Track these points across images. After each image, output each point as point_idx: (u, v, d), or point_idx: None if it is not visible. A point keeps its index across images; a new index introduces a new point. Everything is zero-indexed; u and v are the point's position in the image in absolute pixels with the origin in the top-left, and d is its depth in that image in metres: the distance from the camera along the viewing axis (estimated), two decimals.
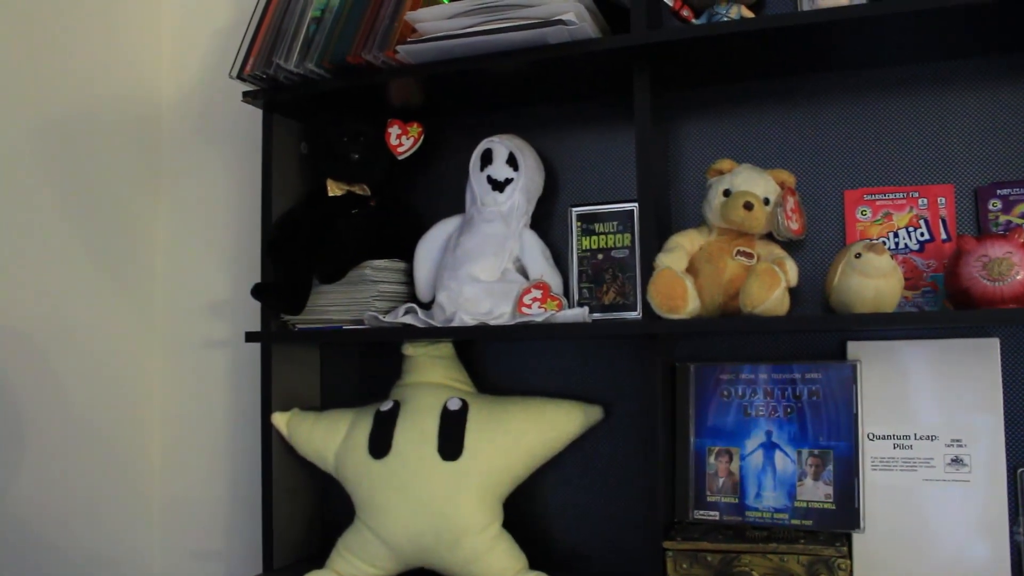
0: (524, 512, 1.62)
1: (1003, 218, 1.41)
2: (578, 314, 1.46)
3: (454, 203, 1.67)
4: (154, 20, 1.98)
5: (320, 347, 1.78)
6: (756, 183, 1.42)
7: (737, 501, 1.44)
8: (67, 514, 1.73)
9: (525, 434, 1.51)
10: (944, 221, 1.44)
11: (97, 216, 1.81)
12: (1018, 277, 1.24)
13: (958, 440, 1.37)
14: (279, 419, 1.63)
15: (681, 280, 1.34)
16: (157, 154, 1.97)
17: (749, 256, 1.42)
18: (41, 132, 1.70)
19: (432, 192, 1.74)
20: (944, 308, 1.41)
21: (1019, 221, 1.40)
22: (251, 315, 1.87)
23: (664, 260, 1.39)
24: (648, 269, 1.39)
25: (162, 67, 1.99)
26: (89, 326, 1.79)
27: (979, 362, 1.38)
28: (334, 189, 1.64)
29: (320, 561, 1.59)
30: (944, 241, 1.43)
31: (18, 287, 1.65)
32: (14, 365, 1.64)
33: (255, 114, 1.86)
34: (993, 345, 1.38)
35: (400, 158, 1.63)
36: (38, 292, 1.69)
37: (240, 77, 1.56)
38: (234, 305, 1.90)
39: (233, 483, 1.89)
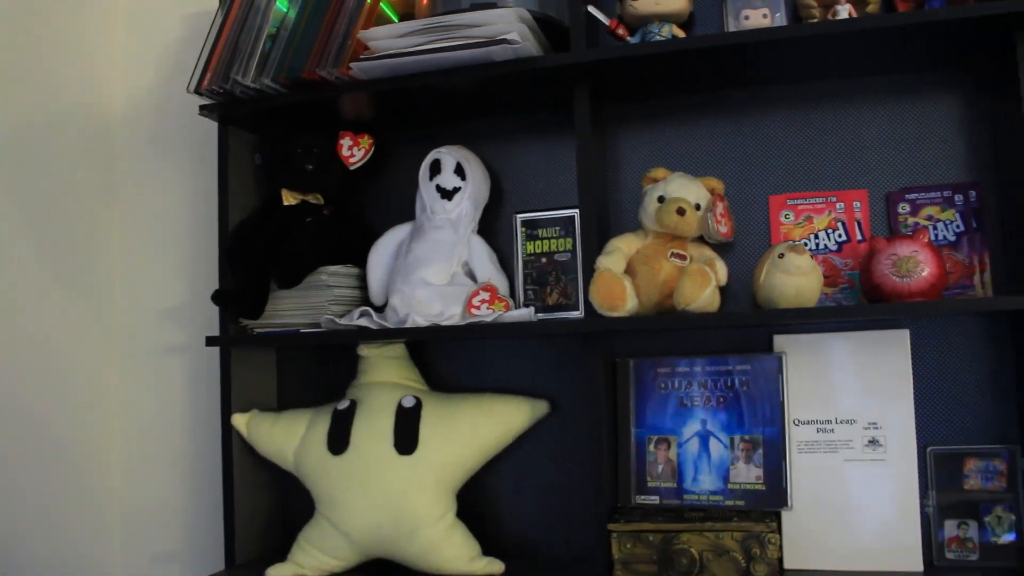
0: (476, 502, 1.70)
1: (911, 220, 1.54)
2: (525, 314, 1.56)
3: (404, 211, 1.75)
4: (106, 35, 2.02)
5: (276, 350, 1.84)
6: (688, 190, 1.53)
7: (675, 486, 1.54)
8: (26, 519, 1.76)
9: (476, 428, 1.60)
10: (859, 223, 1.57)
11: (53, 226, 1.85)
12: (923, 274, 1.37)
13: (874, 423, 1.50)
14: (239, 420, 1.69)
15: (620, 280, 1.45)
16: (111, 164, 2.01)
17: (682, 258, 1.53)
18: None
19: (382, 201, 1.82)
20: (860, 303, 1.54)
21: (925, 223, 1.53)
22: (207, 320, 1.93)
23: (604, 262, 1.50)
24: (589, 271, 1.49)
25: (114, 81, 2.03)
26: (47, 333, 1.82)
27: (891, 352, 1.50)
28: (289, 198, 1.70)
29: (279, 558, 1.64)
30: (860, 242, 1.56)
31: None
32: None
33: (206, 125, 1.91)
34: (903, 336, 1.51)
35: (352, 168, 1.71)
36: None
37: (197, 91, 1.62)
38: (190, 311, 1.95)
39: (191, 486, 1.94)
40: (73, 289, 1.90)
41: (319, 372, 1.84)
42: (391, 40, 1.50)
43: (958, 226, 1.53)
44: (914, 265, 1.37)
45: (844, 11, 1.47)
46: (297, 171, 1.68)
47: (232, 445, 1.70)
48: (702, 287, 1.40)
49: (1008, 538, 1.46)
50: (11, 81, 1.77)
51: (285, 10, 1.59)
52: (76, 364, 1.90)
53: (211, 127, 1.91)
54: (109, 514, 1.96)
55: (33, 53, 1.82)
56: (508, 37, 1.44)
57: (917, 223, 1.54)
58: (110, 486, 1.97)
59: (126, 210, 2.02)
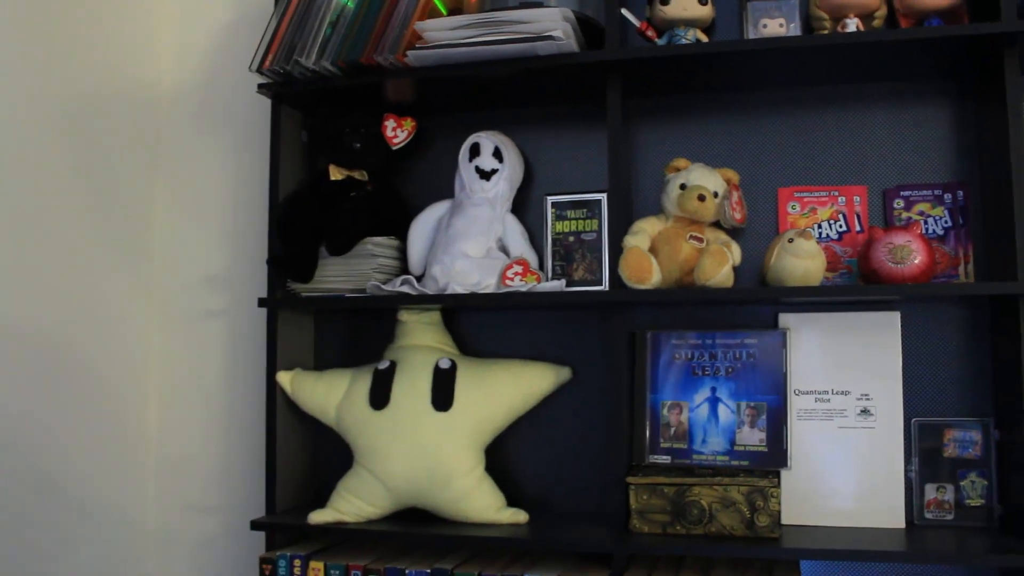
0: (502, 460, 1.85)
1: (905, 214, 1.72)
2: (556, 285, 1.72)
3: (440, 189, 1.90)
4: (159, 16, 2.15)
5: (314, 315, 1.98)
6: (707, 179, 1.69)
7: (686, 446, 1.70)
8: (68, 471, 1.87)
9: (505, 390, 1.75)
10: (859, 216, 1.74)
11: (103, 195, 1.97)
12: (915, 261, 1.54)
13: (866, 395, 1.67)
14: (283, 377, 1.82)
15: (647, 256, 1.61)
16: (158, 138, 2.14)
17: (700, 240, 1.69)
18: (48, 118, 1.83)
19: (421, 179, 1.96)
20: (858, 285, 1.71)
21: (917, 217, 1.71)
22: (247, 286, 2.06)
23: (631, 241, 1.65)
24: (617, 249, 1.65)
25: (162, 58, 2.16)
26: (94, 295, 1.94)
27: (884, 331, 1.67)
28: (336, 174, 1.84)
29: (314, 508, 1.77)
30: (858, 232, 1.73)
31: (29, 263, 1.79)
32: (23, 330, 1.77)
33: (251, 102, 2.06)
34: (895, 318, 1.68)
35: (395, 148, 1.84)
36: (46, 266, 1.83)
37: (259, 71, 1.75)
38: (230, 277, 2.09)
39: (227, 441, 2.07)
40: (119, 254, 2.02)
41: (353, 336, 1.98)
42: (445, 32, 1.65)
43: (946, 221, 1.70)
44: (907, 253, 1.54)
45: (852, 24, 1.64)
46: (345, 149, 1.81)
47: (276, 401, 1.83)
48: (721, 265, 1.57)
49: (980, 501, 1.64)
50: (67, 57, 1.88)
51: (345, 0, 1.73)
52: (120, 325, 2.02)
53: (256, 104, 2.06)
54: (145, 467, 2.09)
55: (88, 31, 1.94)
56: (553, 34, 1.59)
57: (910, 217, 1.71)
58: (148, 442, 2.09)
59: (171, 182, 2.14)
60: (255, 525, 1.76)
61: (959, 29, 1.52)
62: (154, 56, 2.14)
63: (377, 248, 1.80)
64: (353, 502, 1.73)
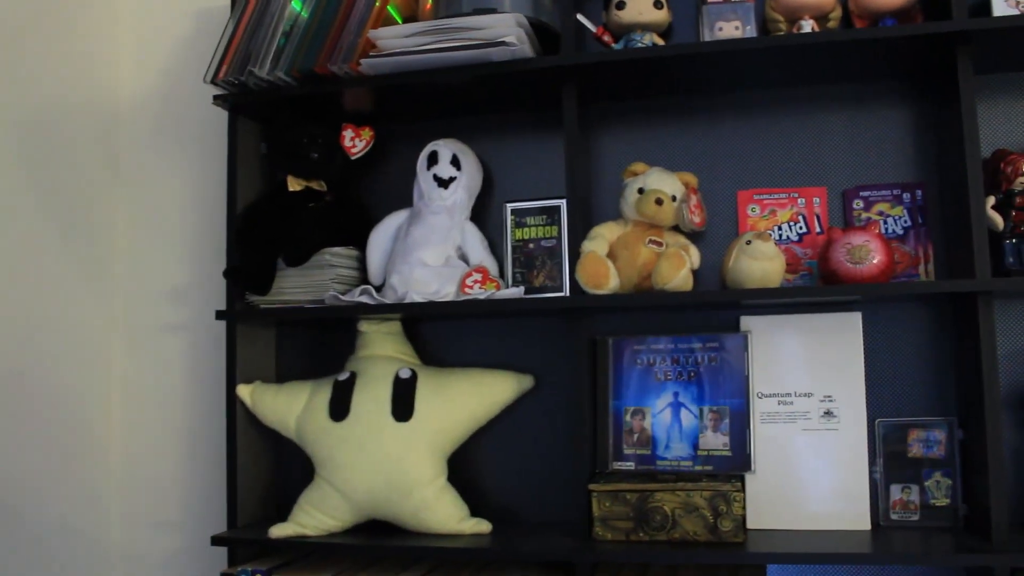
0: (465, 471, 1.83)
1: (864, 215, 1.71)
2: (515, 292, 1.70)
3: (400, 198, 1.88)
4: (116, 29, 2.13)
5: (275, 328, 1.96)
6: (665, 183, 1.69)
7: (649, 452, 1.69)
8: (27, 488, 1.84)
9: (467, 399, 1.73)
10: (818, 217, 1.74)
11: (62, 209, 1.95)
12: (874, 261, 1.53)
13: (829, 396, 1.66)
14: (243, 390, 1.80)
15: (604, 261, 1.60)
16: (117, 151, 2.12)
17: (659, 244, 1.68)
18: (5, 129, 1.81)
19: (380, 188, 1.94)
20: (817, 286, 1.70)
21: (876, 217, 1.70)
22: (207, 300, 2.04)
23: (588, 246, 1.64)
24: (576, 255, 1.64)
25: (122, 72, 2.14)
26: (53, 309, 1.92)
27: (845, 332, 1.67)
28: (294, 185, 1.82)
29: (276, 522, 1.73)
30: (818, 234, 1.73)
31: None
32: None
33: (209, 114, 2.05)
34: (856, 318, 1.67)
35: (353, 158, 1.83)
36: (3, 281, 1.80)
37: (213, 82, 1.74)
38: (191, 291, 2.06)
39: (189, 457, 2.04)
40: (79, 268, 2.00)
41: (315, 348, 1.95)
42: (398, 39, 1.64)
43: (906, 221, 1.70)
44: (866, 253, 1.54)
45: (807, 26, 1.64)
46: (303, 159, 1.79)
47: (236, 414, 1.80)
48: (678, 268, 1.56)
49: (946, 501, 1.63)
50: (25, 68, 1.86)
51: (299, 10, 1.72)
52: (80, 340, 1.99)
53: (213, 117, 2.04)
54: (106, 484, 2.06)
55: (46, 42, 1.92)
56: (507, 40, 1.59)
57: (870, 217, 1.71)
58: (108, 457, 2.06)
59: (131, 195, 2.12)
60: (216, 540, 1.73)
61: (912, 28, 1.52)
62: (113, 68, 2.12)
63: (335, 258, 1.78)
64: (314, 515, 1.71)
